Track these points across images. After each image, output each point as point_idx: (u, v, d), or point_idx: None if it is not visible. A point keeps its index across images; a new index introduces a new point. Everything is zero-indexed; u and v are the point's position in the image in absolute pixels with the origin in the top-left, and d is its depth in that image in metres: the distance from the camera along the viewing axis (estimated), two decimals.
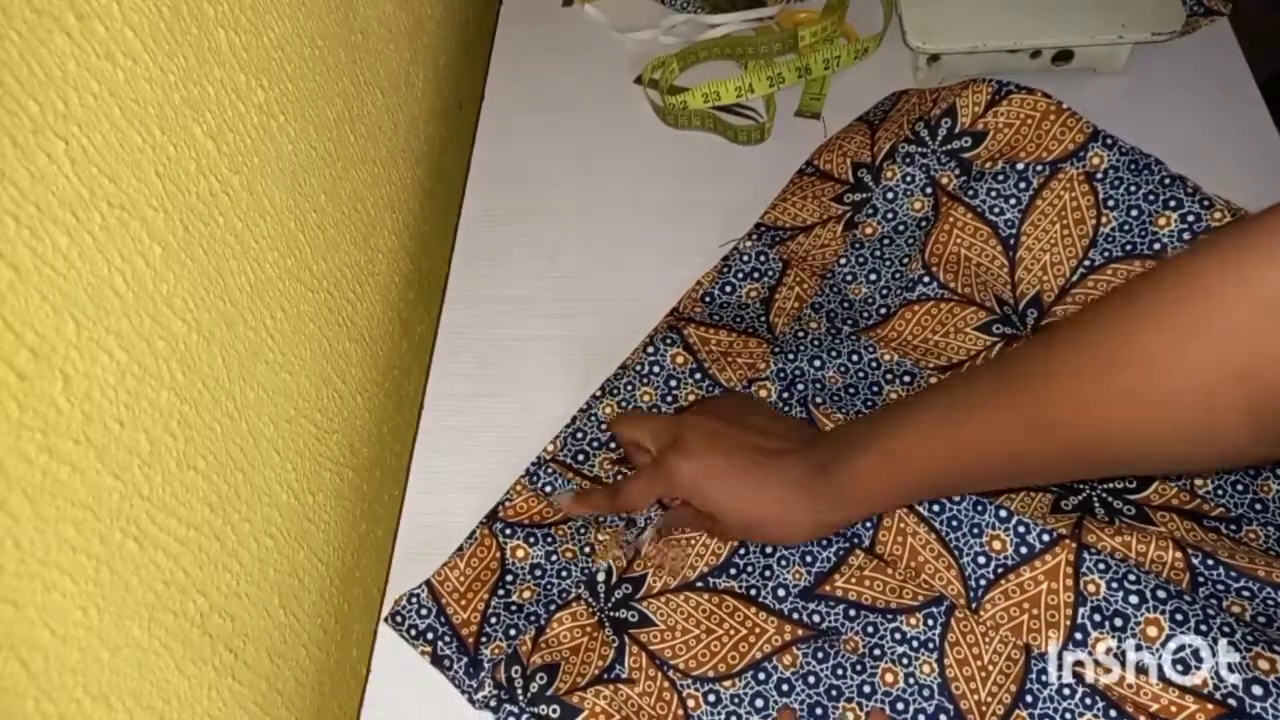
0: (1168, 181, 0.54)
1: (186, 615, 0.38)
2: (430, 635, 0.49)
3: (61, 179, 0.30)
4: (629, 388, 0.56)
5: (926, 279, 0.58)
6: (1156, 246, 0.54)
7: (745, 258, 0.60)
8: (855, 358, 0.56)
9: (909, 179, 0.60)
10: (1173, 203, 0.54)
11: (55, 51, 0.29)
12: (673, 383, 0.56)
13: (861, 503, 0.45)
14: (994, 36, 0.65)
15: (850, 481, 0.43)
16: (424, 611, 0.50)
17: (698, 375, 0.56)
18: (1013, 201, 0.57)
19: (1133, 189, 0.55)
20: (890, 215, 0.60)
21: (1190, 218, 0.54)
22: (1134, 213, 0.55)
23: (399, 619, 0.50)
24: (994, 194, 0.57)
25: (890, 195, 0.61)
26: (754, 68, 0.71)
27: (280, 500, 0.47)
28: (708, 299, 0.60)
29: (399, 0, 0.64)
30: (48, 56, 0.29)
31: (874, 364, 0.55)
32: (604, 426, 0.55)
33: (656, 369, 0.56)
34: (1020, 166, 0.57)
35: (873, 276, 0.59)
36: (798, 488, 0.45)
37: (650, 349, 0.57)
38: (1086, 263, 0.55)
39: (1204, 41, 0.69)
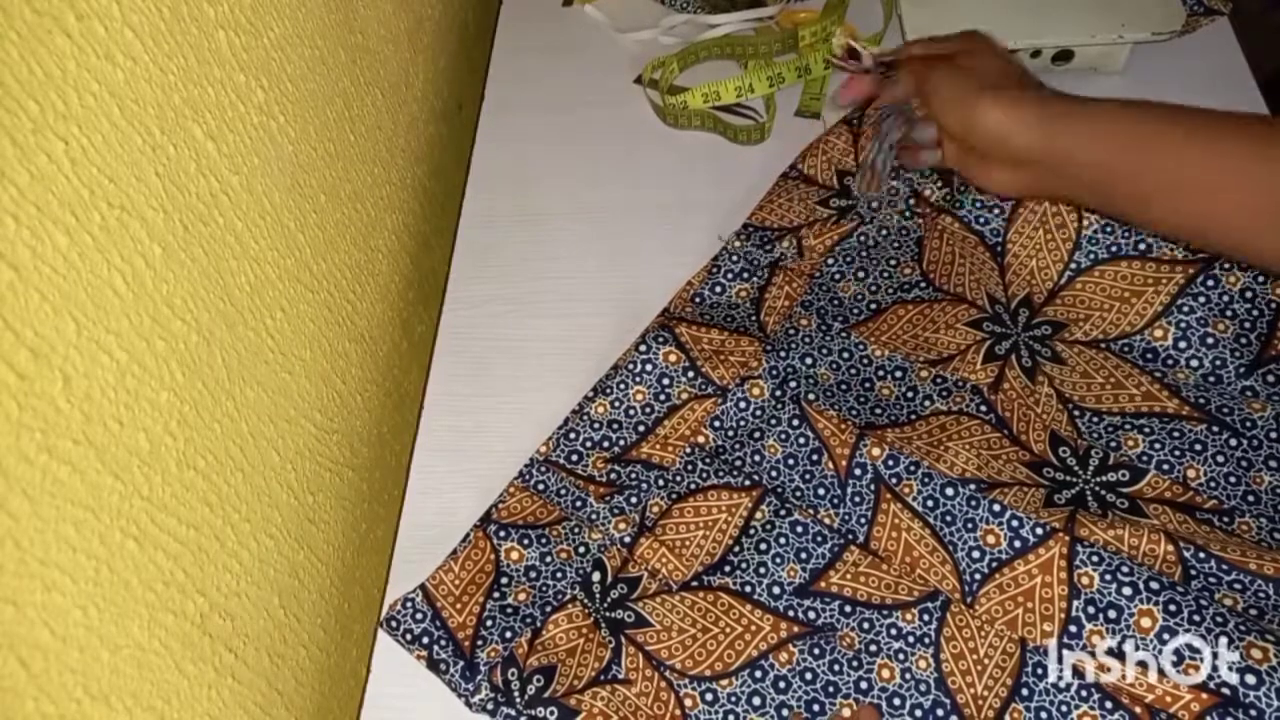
0: None
1: (186, 615, 0.38)
2: (425, 639, 0.49)
3: (61, 179, 0.30)
4: (621, 387, 0.56)
5: (923, 284, 0.58)
6: (1142, 246, 0.55)
7: (734, 258, 0.61)
8: (846, 355, 0.56)
9: (893, 191, 0.62)
10: None
11: (55, 51, 0.29)
12: (665, 381, 0.56)
13: (1060, 134, 0.48)
14: (994, 36, 0.65)
15: (1070, 118, 0.48)
16: (419, 616, 0.50)
17: (690, 373, 0.56)
18: (996, 211, 0.58)
19: None
20: (874, 220, 0.62)
21: None
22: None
23: (394, 623, 0.50)
24: (978, 204, 0.59)
25: (875, 204, 0.62)
26: (754, 68, 0.71)
27: (280, 500, 0.47)
28: (698, 299, 0.60)
29: (399, 0, 0.64)
30: (48, 56, 0.29)
31: (865, 361, 0.56)
32: (596, 424, 0.55)
33: (649, 368, 0.56)
34: None
35: (860, 274, 0.59)
36: (1033, 93, 0.49)
37: (642, 348, 0.57)
38: (1073, 265, 0.56)
39: (1204, 41, 0.69)
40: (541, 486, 0.54)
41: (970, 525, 0.47)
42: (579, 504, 0.53)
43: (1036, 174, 0.49)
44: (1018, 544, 0.46)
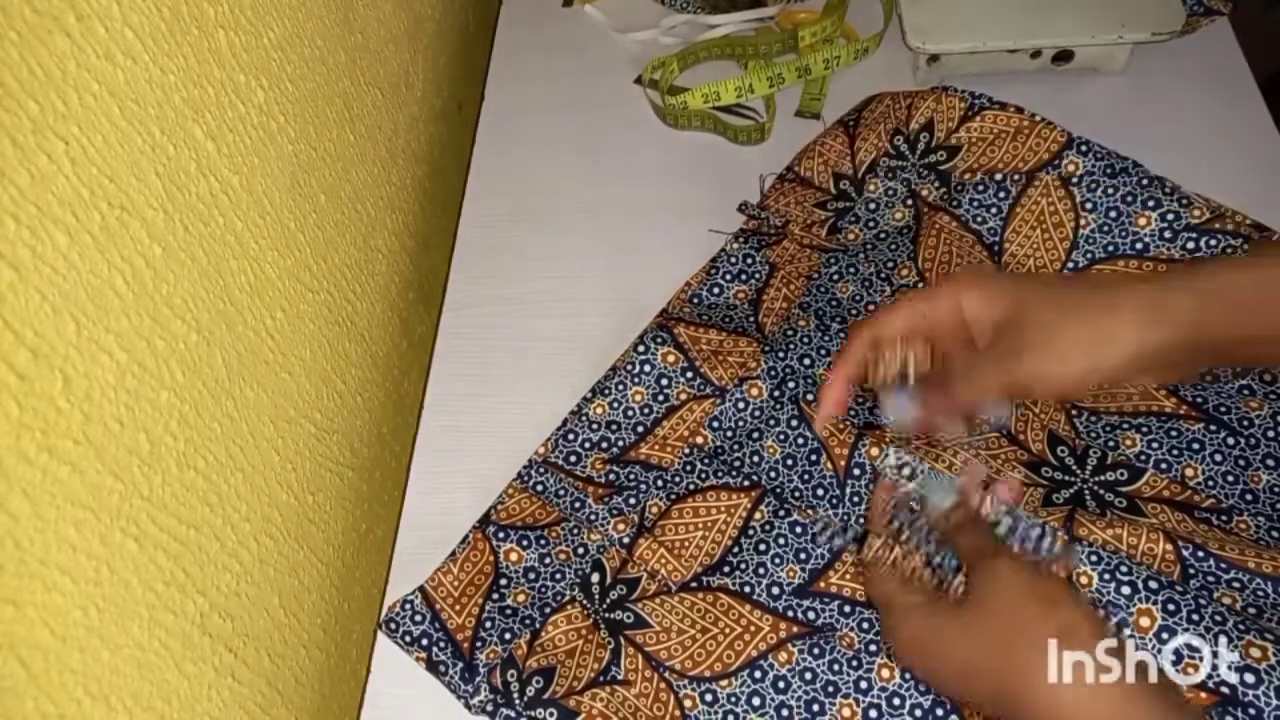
0: (1145, 183, 0.56)
1: (186, 615, 0.38)
2: (425, 641, 0.49)
3: (61, 179, 0.30)
4: (620, 388, 0.56)
5: (920, 284, 0.58)
6: (1139, 246, 0.55)
7: (732, 260, 0.61)
8: None
9: (891, 192, 0.62)
10: (1151, 202, 0.55)
11: (55, 51, 0.29)
12: (664, 382, 0.56)
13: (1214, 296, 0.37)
14: (994, 36, 0.65)
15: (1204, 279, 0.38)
16: (418, 618, 0.50)
17: (689, 374, 0.56)
18: (994, 210, 0.58)
19: (1110, 191, 0.56)
20: (872, 224, 0.62)
21: (1170, 216, 0.55)
22: (1113, 214, 0.56)
23: (393, 625, 0.50)
24: (975, 204, 0.59)
25: (872, 205, 0.62)
26: (754, 68, 0.71)
27: (280, 500, 0.47)
28: (696, 300, 0.60)
29: (399, 0, 0.64)
30: (48, 56, 0.29)
31: None
32: (595, 425, 0.55)
33: (648, 368, 0.56)
34: (999, 177, 0.58)
35: (858, 275, 0.60)
36: (1135, 290, 0.38)
37: (641, 348, 0.57)
38: (1070, 265, 0.56)
39: (1204, 41, 0.69)
40: (540, 488, 0.54)
41: None
42: (578, 505, 0.53)
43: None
44: None
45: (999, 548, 0.40)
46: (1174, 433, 0.50)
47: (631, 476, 0.54)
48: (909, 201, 0.62)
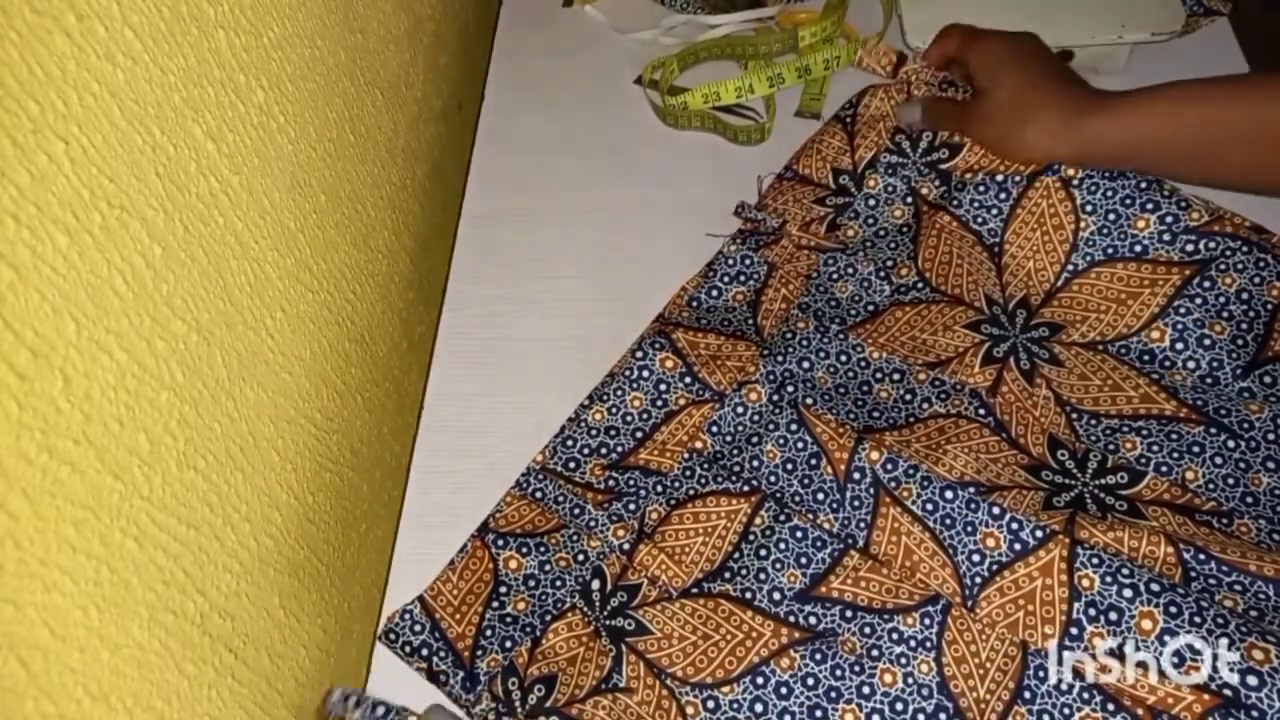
0: (1144, 186, 0.56)
1: (186, 615, 0.38)
2: (425, 651, 0.49)
3: (61, 179, 0.30)
4: (618, 393, 0.56)
5: (920, 285, 0.58)
6: (1138, 249, 0.55)
7: (730, 262, 0.61)
8: (844, 358, 0.56)
9: (890, 189, 0.62)
10: (1150, 205, 0.55)
11: (55, 52, 0.29)
12: (662, 387, 0.56)
13: (1095, 141, 0.56)
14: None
15: (1098, 121, 0.55)
16: (417, 628, 0.50)
17: (687, 379, 0.56)
18: (994, 211, 0.58)
19: (1109, 194, 0.56)
20: (871, 221, 0.62)
21: (1169, 219, 0.55)
22: (1111, 216, 0.56)
23: (392, 636, 0.50)
24: (976, 204, 0.59)
25: (872, 202, 0.62)
26: (754, 68, 0.71)
27: (280, 500, 0.47)
28: (694, 303, 0.60)
29: (399, 0, 0.64)
30: (48, 56, 0.29)
31: (863, 363, 0.56)
32: (593, 431, 0.55)
33: (646, 374, 0.56)
34: (999, 178, 0.58)
35: (857, 275, 0.59)
36: (1062, 105, 0.57)
37: (639, 354, 0.57)
38: (1070, 267, 0.56)
39: (1204, 41, 0.69)
40: (539, 494, 0.54)
41: (970, 528, 0.47)
42: (577, 511, 0.53)
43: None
44: (1018, 547, 0.46)
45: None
46: (1174, 435, 0.50)
47: (631, 482, 0.54)
48: (909, 199, 0.62)
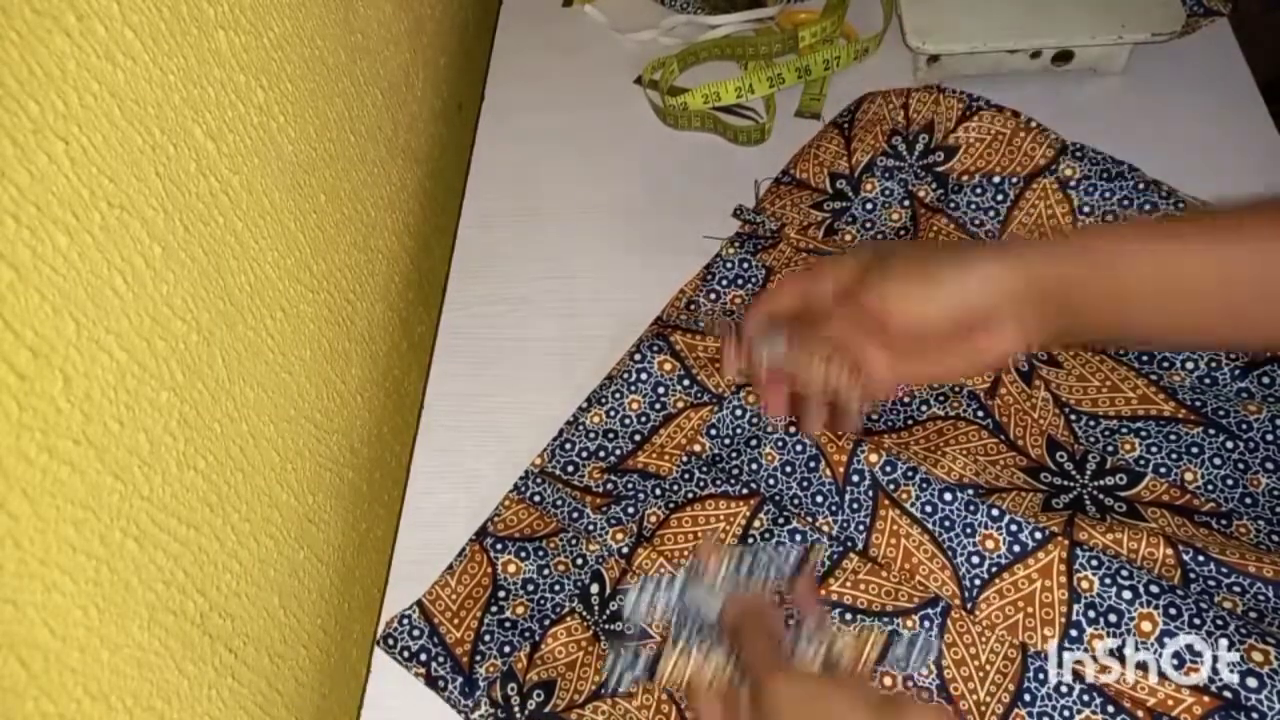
0: (1142, 187, 0.56)
1: (186, 615, 0.38)
2: (424, 656, 0.49)
3: (61, 179, 0.30)
4: (616, 396, 0.56)
5: None
6: None
7: (728, 264, 0.61)
8: None
9: (887, 192, 0.62)
10: (1148, 206, 0.55)
11: (55, 51, 0.29)
12: (661, 389, 0.56)
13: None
14: (994, 37, 0.65)
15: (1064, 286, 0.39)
16: (416, 632, 0.50)
17: (686, 382, 0.56)
18: (991, 213, 0.58)
19: (1107, 195, 0.56)
20: (869, 225, 0.62)
21: None
22: (1109, 217, 0.56)
23: (391, 641, 0.50)
24: (973, 206, 0.59)
25: (869, 206, 0.62)
26: (754, 68, 0.71)
27: (280, 500, 0.47)
28: (693, 306, 0.60)
29: (399, 0, 0.64)
30: (48, 56, 0.29)
31: None
32: (592, 434, 0.55)
33: (644, 376, 0.56)
34: (996, 180, 0.58)
35: None
36: None
37: (637, 357, 0.57)
38: None
39: (1204, 41, 0.69)
40: (538, 498, 0.54)
41: (969, 530, 0.47)
42: (576, 515, 0.52)
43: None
44: (1017, 549, 0.46)
45: (777, 660, 0.39)
46: (1173, 437, 0.50)
47: (629, 485, 0.54)
48: (906, 202, 0.62)
